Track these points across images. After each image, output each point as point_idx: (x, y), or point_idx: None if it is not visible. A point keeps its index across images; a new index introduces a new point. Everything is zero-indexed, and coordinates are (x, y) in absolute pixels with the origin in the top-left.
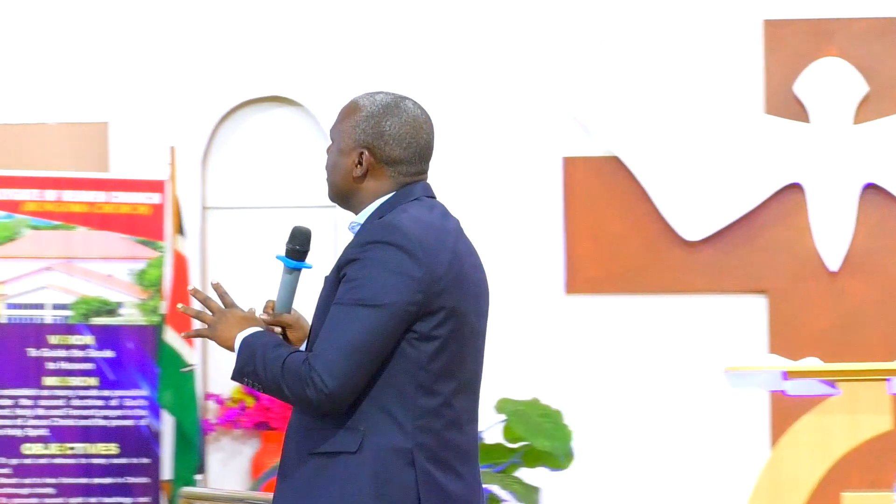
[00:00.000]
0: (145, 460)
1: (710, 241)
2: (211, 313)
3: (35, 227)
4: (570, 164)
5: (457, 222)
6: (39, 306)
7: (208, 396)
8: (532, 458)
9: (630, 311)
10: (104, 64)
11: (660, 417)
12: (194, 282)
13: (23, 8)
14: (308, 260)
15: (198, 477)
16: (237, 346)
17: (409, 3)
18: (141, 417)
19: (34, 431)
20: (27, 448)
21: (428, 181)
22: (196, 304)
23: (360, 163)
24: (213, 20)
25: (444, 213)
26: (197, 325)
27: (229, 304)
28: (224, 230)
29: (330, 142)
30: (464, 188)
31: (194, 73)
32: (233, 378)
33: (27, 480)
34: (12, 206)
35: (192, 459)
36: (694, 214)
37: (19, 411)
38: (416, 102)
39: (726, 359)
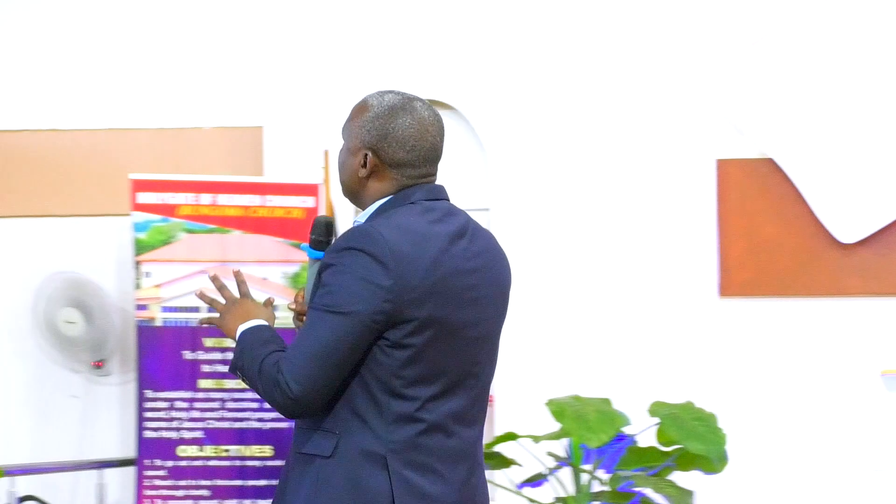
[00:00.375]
0: None
1: (866, 244)
2: (224, 301)
3: (190, 231)
4: (723, 166)
5: (460, 226)
6: (194, 309)
7: None
8: (686, 461)
9: (784, 314)
10: (259, 69)
11: (814, 421)
12: None
13: (177, 12)
14: None
15: None
16: (237, 338)
17: (563, 8)
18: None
19: (189, 434)
20: (182, 450)
21: (435, 182)
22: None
23: (364, 164)
24: (367, 24)
25: (441, 218)
26: None
27: (244, 293)
28: None
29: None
30: (618, 190)
31: (348, 77)
32: (229, 371)
33: (182, 482)
34: (168, 210)
35: None
36: (849, 217)
37: (174, 413)
38: (425, 104)
39: (882, 362)
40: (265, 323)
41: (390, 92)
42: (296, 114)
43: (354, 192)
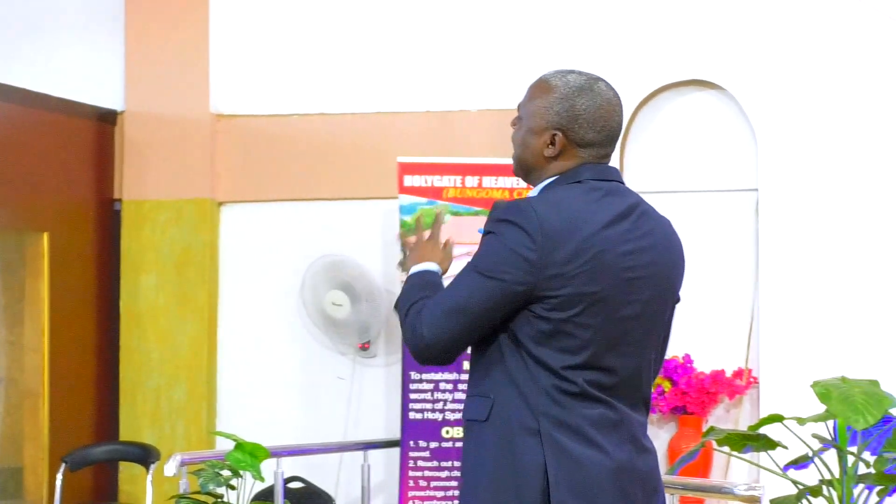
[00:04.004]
0: None
1: None
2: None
3: (455, 213)
4: None
5: (626, 207)
6: None
7: None
8: None
9: None
10: (518, 52)
11: None
12: None
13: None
14: None
15: None
16: (408, 276)
17: None
18: None
19: (453, 415)
20: (446, 432)
21: (608, 163)
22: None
23: (552, 143)
24: (630, 5)
25: (604, 197)
26: None
27: (433, 236)
28: None
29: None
30: (891, 174)
31: (614, 58)
32: (394, 307)
33: (445, 464)
34: (436, 193)
35: None
36: None
37: (438, 395)
38: (608, 84)
39: None
40: (434, 268)
41: (572, 72)
42: None
43: (532, 169)
